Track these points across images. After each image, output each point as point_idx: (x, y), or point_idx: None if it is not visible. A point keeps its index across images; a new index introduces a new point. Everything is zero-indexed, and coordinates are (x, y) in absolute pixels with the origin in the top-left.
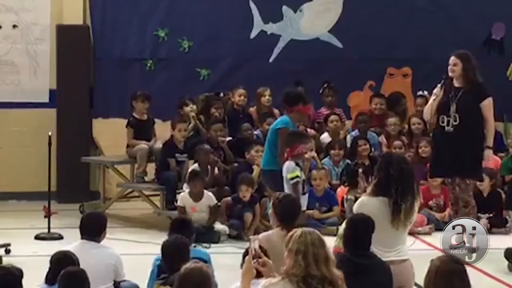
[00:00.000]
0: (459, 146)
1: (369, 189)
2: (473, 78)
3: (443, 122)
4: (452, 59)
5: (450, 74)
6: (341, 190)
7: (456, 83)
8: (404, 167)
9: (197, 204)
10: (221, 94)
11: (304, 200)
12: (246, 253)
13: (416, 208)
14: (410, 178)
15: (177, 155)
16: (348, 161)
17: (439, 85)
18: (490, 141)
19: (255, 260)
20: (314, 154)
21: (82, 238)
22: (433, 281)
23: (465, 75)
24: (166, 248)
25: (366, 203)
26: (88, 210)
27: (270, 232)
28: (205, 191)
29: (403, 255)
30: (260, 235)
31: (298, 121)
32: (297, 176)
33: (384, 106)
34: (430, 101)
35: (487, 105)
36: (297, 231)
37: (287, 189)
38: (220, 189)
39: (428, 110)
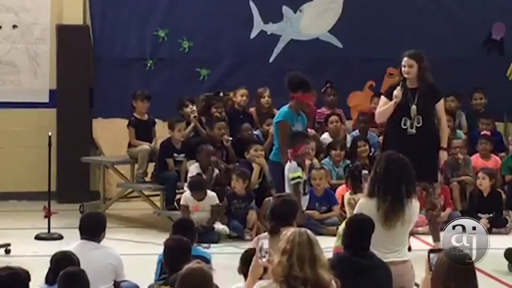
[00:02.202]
0: (423, 149)
1: (365, 191)
2: (427, 78)
3: (405, 125)
4: (406, 60)
5: (405, 75)
6: (341, 189)
7: (410, 85)
8: (390, 166)
9: (199, 204)
10: (221, 94)
11: (305, 201)
12: (244, 256)
13: (408, 208)
14: (394, 177)
15: (175, 155)
16: (348, 161)
17: (399, 87)
18: (445, 143)
19: (264, 260)
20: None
21: (82, 239)
22: (443, 276)
23: (421, 76)
24: (168, 248)
25: (364, 204)
26: (88, 210)
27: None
28: (208, 191)
29: (404, 256)
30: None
31: (299, 109)
32: (298, 177)
33: None
34: (391, 103)
35: (442, 106)
36: (289, 231)
37: (288, 189)
38: (221, 189)
39: (386, 112)
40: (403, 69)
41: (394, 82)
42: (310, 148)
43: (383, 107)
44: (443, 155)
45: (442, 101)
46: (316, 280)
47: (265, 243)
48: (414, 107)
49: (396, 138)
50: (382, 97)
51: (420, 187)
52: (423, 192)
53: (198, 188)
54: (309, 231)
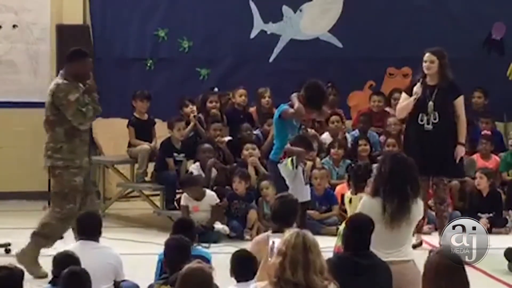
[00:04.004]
0: (440, 145)
1: (367, 189)
2: (448, 75)
3: (422, 121)
4: (428, 56)
5: (426, 71)
6: (340, 188)
7: (429, 81)
8: (394, 167)
9: (199, 204)
10: (216, 89)
11: (307, 191)
12: (233, 258)
13: (413, 209)
14: (399, 178)
15: (175, 154)
16: (349, 161)
17: (419, 84)
18: (463, 138)
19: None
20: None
21: (80, 239)
22: (433, 276)
23: (441, 72)
24: (169, 248)
25: (366, 204)
26: (84, 210)
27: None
28: (207, 190)
29: (405, 255)
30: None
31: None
32: (291, 161)
33: (382, 104)
34: (410, 99)
35: (460, 103)
36: (288, 232)
37: (289, 182)
38: (220, 189)
39: (406, 108)
40: (424, 64)
41: (416, 80)
42: (310, 156)
43: (403, 103)
44: (461, 150)
45: (461, 97)
46: (308, 285)
47: (277, 242)
48: (431, 103)
49: (414, 133)
50: (403, 93)
51: (432, 182)
52: (434, 186)
53: (188, 184)
54: (308, 234)
